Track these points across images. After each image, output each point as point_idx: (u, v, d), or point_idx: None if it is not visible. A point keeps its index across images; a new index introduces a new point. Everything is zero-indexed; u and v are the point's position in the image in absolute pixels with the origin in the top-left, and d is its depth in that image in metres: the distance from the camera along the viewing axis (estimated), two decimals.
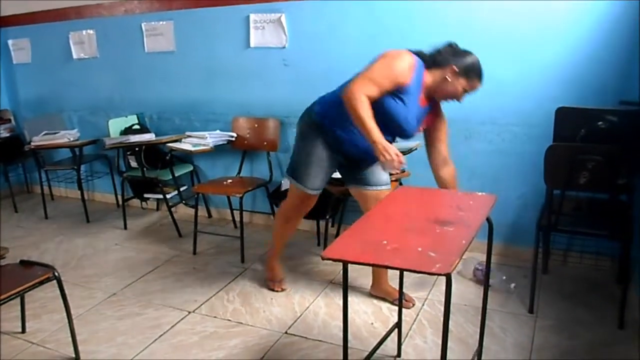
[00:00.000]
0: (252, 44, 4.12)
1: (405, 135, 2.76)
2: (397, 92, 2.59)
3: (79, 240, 4.31)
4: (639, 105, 2.94)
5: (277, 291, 3.28)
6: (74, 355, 2.64)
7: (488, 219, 2.11)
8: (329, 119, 2.80)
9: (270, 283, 3.34)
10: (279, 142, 4.11)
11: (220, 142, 4.16)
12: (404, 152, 3.26)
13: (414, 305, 3.08)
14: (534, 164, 3.05)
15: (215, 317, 3.05)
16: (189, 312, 3.11)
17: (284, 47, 4.01)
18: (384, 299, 3.13)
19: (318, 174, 2.92)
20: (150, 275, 3.61)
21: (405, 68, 2.57)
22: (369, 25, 3.66)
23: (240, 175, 4.29)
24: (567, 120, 2.90)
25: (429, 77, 2.66)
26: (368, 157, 2.72)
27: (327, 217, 3.75)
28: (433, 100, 2.76)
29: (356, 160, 2.90)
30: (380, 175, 2.93)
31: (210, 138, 4.08)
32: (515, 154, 3.49)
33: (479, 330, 2.45)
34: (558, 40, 3.24)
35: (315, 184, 2.95)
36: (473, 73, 2.61)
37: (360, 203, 3.05)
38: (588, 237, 3.12)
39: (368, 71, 2.55)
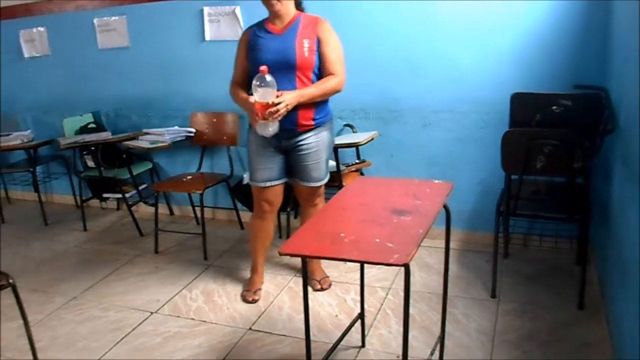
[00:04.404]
0: (207, 38, 4.05)
1: (283, 61, 2.77)
2: (250, 51, 2.87)
3: (37, 244, 4.21)
4: (592, 88, 2.98)
5: (249, 301, 3.13)
6: None
7: (445, 207, 2.11)
8: None
9: (244, 293, 3.21)
10: (239, 136, 4.06)
11: (179, 138, 4.10)
12: (359, 144, 3.30)
13: (322, 289, 3.15)
14: (492, 150, 3.07)
15: (178, 316, 3.01)
16: (152, 313, 3.06)
17: None
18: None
19: (258, 163, 2.96)
20: (111, 277, 3.54)
21: (240, 41, 2.96)
22: (326, 16, 3.61)
23: (201, 171, 4.23)
24: (522, 106, 2.92)
25: None
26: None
27: (288, 209, 3.73)
28: (297, 26, 2.83)
29: (289, 149, 2.93)
30: (314, 173, 2.96)
31: (168, 135, 4.02)
32: (473, 140, 3.51)
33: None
34: (513, 26, 3.27)
35: (261, 175, 2.97)
36: None
37: (297, 195, 3.15)
38: (547, 220, 3.16)
39: None
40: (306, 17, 2.87)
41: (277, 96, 2.64)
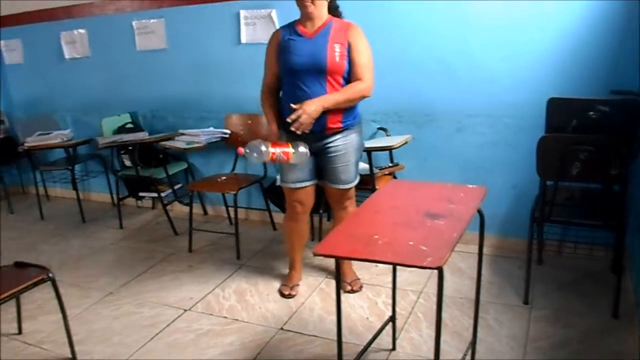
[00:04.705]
0: (243, 40, 4.11)
1: (314, 65, 2.78)
2: (281, 53, 2.88)
3: (75, 241, 4.32)
4: (629, 94, 2.93)
5: (285, 295, 3.21)
6: (70, 356, 2.64)
7: (479, 211, 2.11)
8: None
9: (281, 287, 3.29)
10: None
11: (214, 140, 4.16)
12: (392, 147, 3.31)
13: (353, 291, 3.17)
14: (527, 155, 3.05)
15: (211, 314, 3.06)
16: (185, 310, 3.11)
17: None
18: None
19: (290, 165, 2.96)
20: (146, 274, 3.61)
21: (269, 43, 2.97)
22: (360, 19, 3.62)
23: (235, 172, 4.28)
24: (558, 111, 2.90)
25: None
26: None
27: (321, 211, 3.75)
28: (328, 30, 2.83)
29: (318, 151, 2.95)
30: (343, 175, 2.98)
31: (204, 135, 4.09)
32: (508, 145, 3.49)
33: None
34: (547, 28, 3.23)
35: (288, 176, 3.01)
36: None
37: (327, 197, 3.19)
38: (582, 227, 3.12)
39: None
40: (338, 22, 2.87)
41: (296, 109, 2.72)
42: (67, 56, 4.98)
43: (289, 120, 2.72)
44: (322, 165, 3.00)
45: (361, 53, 2.81)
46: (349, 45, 2.80)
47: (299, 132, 2.76)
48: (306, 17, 2.83)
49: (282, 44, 2.88)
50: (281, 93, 2.99)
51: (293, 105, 2.72)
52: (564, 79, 3.24)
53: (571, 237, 3.38)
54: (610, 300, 2.79)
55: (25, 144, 4.67)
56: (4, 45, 5.31)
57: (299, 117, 2.70)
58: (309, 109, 2.70)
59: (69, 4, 4.80)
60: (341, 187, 3.00)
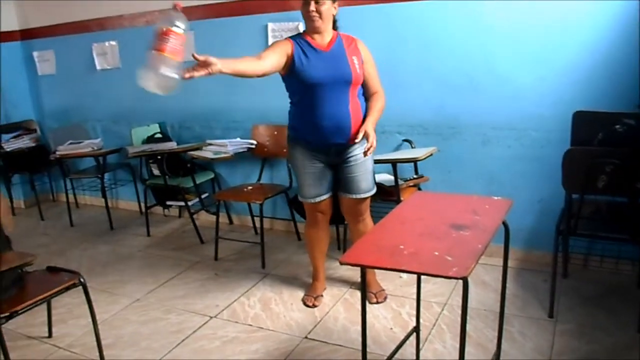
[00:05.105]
0: None
1: (338, 78, 2.81)
2: (299, 69, 2.79)
3: (103, 247, 4.40)
4: None
5: (309, 305, 3.24)
6: None
7: (504, 223, 2.12)
8: (290, 122, 3.05)
9: (305, 297, 3.33)
10: None
11: (241, 150, 4.21)
12: (417, 159, 3.34)
13: (378, 302, 3.18)
14: (552, 168, 3.04)
15: (236, 322, 3.10)
16: (211, 317, 3.16)
17: None
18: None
19: (308, 180, 3.03)
20: (172, 281, 3.67)
21: (282, 41, 2.84)
22: (385, 31, 3.68)
23: (261, 182, 4.34)
24: (584, 124, 2.90)
25: None
26: (328, 135, 2.88)
27: (345, 222, 3.78)
28: (341, 44, 2.88)
29: (338, 163, 2.99)
30: (363, 184, 3.02)
31: (231, 146, 4.14)
32: (534, 158, 3.48)
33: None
34: (574, 42, 3.24)
35: (310, 192, 3.06)
36: None
37: (343, 211, 3.21)
38: (608, 241, 3.11)
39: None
40: (344, 36, 2.92)
41: None
42: (98, 67, 5.10)
43: (365, 150, 2.77)
44: (341, 176, 3.03)
45: (373, 66, 2.96)
46: (362, 59, 2.89)
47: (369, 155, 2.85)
48: (313, 30, 2.84)
49: (298, 58, 2.79)
50: (291, 108, 3.02)
51: (360, 135, 2.76)
52: (589, 91, 3.23)
53: (597, 251, 3.36)
54: (636, 315, 2.77)
55: (57, 153, 4.79)
56: (38, 56, 5.46)
57: (371, 143, 2.78)
58: (372, 132, 2.80)
59: (101, 16, 4.92)
60: (361, 196, 3.03)
